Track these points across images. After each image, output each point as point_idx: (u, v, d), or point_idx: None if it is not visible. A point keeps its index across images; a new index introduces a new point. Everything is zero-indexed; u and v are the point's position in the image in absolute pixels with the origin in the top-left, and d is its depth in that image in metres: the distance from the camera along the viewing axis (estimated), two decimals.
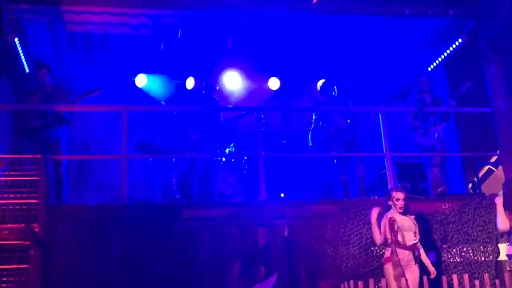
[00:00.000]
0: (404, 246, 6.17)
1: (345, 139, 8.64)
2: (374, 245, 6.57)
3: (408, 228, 6.27)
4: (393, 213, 6.33)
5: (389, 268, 6.14)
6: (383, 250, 6.37)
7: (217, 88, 8.90)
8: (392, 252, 6.15)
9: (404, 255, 6.15)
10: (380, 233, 6.26)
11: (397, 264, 6.06)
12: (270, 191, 8.65)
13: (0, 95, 8.41)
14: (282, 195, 9.16)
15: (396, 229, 6.19)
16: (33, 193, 6.04)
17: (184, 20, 8.79)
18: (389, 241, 6.21)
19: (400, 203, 6.33)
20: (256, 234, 6.80)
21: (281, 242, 6.82)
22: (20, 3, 8.08)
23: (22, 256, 5.73)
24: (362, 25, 9.14)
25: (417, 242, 6.30)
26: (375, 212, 6.30)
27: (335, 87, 9.01)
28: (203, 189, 8.31)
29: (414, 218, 6.39)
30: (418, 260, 6.22)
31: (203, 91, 8.83)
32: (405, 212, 6.35)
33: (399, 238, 6.18)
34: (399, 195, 6.37)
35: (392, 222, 6.22)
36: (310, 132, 8.92)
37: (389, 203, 6.40)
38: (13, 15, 8.03)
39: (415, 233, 6.30)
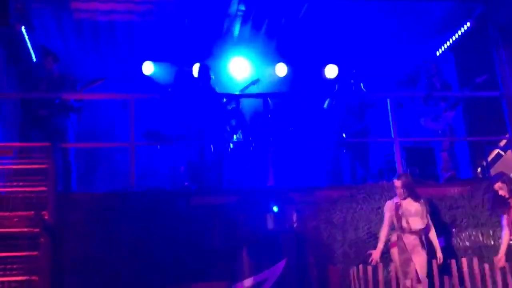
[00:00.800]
0: (409, 231, 6.17)
1: (355, 128, 8.65)
2: (389, 232, 6.55)
3: (414, 213, 6.25)
4: (399, 199, 6.34)
5: (395, 253, 6.18)
6: (391, 235, 6.36)
7: (212, 77, 8.76)
8: (398, 237, 6.18)
9: (410, 240, 6.15)
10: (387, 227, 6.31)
11: (403, 250, 6.10)
12: (278, 178, 8.66)
13: (7, 84, 8.41)
14: None
15: (400, 214, 6.21)
16: (42, 181, 6.06)
17: (190, 6, 8.75)
18: (395, 226, 6.23)
19: (399, 191, 6.33)
20: (265, 220, 6.80)
21: (290, 228, 6.83)
22: None
23: (32, 244, 5.75)
24: (368, 10, 9.10)
25: (425, 227, 6.26)
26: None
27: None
28: (212, 176, 8.31)
29: (423, 202, 6.35)
30: (425, 244, 6.20)
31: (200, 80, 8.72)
32: (412, 197, 6.32)
33: (403, 223, 6.19)
34: (397, 183, 6.38)
35: (397, 207, 6.25)
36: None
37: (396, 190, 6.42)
38: (19, 3, 8.02)
39: (422, 217, 6.27)
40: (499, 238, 6.61)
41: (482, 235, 6.92)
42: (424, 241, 6.23)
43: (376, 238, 6.62)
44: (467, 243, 6.91)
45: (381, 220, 6.54)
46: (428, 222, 6.32)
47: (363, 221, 6.91)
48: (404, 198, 6.31)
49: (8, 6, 7.53)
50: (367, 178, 8.56)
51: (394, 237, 6.25)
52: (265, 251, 6.70)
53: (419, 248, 6.16)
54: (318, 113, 9.35)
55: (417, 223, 6.23)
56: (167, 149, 9.51)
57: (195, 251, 6.53)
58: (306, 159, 9.97)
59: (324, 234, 6.82)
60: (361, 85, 8.90)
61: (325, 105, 9.03)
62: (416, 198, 6.35)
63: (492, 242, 6.83)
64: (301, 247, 6.75)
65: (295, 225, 6.85)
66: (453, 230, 6.98)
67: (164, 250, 6.45)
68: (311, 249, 6.77)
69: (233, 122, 8.96)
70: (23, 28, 8.56)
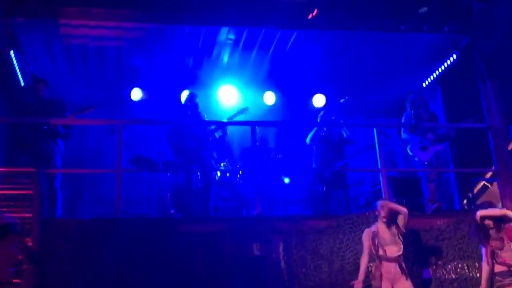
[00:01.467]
0: (388, 259, 6.17)
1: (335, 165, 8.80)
2: (370, 261, 6.55)
3: (389, 241, 6.25)
4: (378, 225, 6.35)
5: (377, 283, 6.15)
6: (370, 265, 6.36)
7: (198, 104, 8.76)
8: (376, 266, 6.20)
9: (390, 268, 6.15)
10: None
11: (380, 278, 6.09)
12: (265, 206, 8.65)
13: None
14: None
15: (376, 243, 6.22)
16: (27, 207, 6.02)
17: (180, 34, 8.81)
18: (374, 254, 6.25)
19: (382, 213, 6.33)
20: (251, 250, 6.77)
21: (276, 257, 6.80)
22: (17, 16, 8.08)
23: (15, 270, 5.68)
24: (356, 41, 9.18)
25: (401, 252, 6.25)
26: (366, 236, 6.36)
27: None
28: (198, 204, 8.28)
29: (396, 226, 6.33)
30: (406, 272, 6.18)
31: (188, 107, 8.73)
32: (390, 223, 6.32)
33: (380, 252, 6.20)
34: (382, 204, 6.41)
35: (373, 236, 6.28)
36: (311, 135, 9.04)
37: (376, 213, 6.45)
38: (8, 28, 8.03)
39: (397, 243, 6.25)
40: None
41: (468, 267, 6.92)
42: (405, 267, 6.20)
43: None
44: (453, 275, 6.91)
45: None
46: (401, 244, 6.29)
47: (349, 251, 6.91)
48: (387, 223, 6.30)
49: None
50: (350, 209, 8.62)
51: (374, 268, 6.25)
52: (251, 280, 6.66)
53: (400, 275, 6.14)
54: (302, 144, 9.43)
55: (393, 251, 6.22)
56: (154, 176, 9.50)
57: (180, 279, 6.49)
58: (292, 187, 9.99)
59: (311, 264, 6.80)
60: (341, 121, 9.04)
61: (307, 140, 9.12)
62: (390, 224, 6.34)
63: (478, 275, 6.81)
64: (287, 277, 6.71)
65: (281, 254, 6.82)
66: (439, 262, 6.98)
67: (148, 278, 6.40)
68: (298, 279, 6.74)
69: (219, 151, 8.96)
70: (11, 52, 8.56)
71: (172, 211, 8.52)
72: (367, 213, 7.26)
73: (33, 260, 5.97)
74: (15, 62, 8.89)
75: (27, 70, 9.04)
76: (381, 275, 6.10)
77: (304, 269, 6.77)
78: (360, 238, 6.82)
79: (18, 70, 9.16)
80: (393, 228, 6.31)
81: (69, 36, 8.65)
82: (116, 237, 6.54)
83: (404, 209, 6.34)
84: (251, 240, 6.81)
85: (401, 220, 6.33)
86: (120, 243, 6.48)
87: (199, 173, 8.31)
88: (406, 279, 6.14)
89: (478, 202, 8.83)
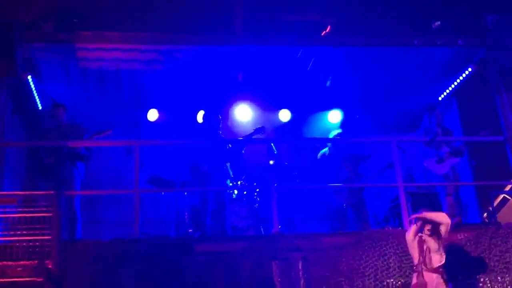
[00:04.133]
0: (431, 269, 6.10)
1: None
2: (390, 277, 6.51)
3: (434, 250, 6.20)
4: (423, 236, 6.29)
5: None
6: (399, 282, 6.30)
7: (221, 125, 8.84)
8: (418, 274, 6.11)
9: (432, 279, 6.07)
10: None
11: (423, 286, 6.00)
12: (283, 224, 8.63)
13: (13, 133, 8.48)
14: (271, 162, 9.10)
15: (425, 248, 6.18)
16: (46, 230, 6.05)
17: (195, 55, 8.88)
18: (416, 261, 6.18)
19: (428, 225, 6.27)
20: (270, 268, 6.74)
21: (296, 275, 6.76)
22: (34, 42, 8.22)
23: None
24: (371, 56, 9.19)
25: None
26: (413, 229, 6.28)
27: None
28: (216, 223, 8.28)
29: (438, 237, 6.28)
30: (448, 284, 6.13)
31: (207, 126, 8.79)
32: (434, 235, 6.27)
33: (427, 259, 6.14)
34: (421, 217, 6.32)
35: (422, 241, 6.21)
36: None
37: (416, 226, 6.33)
38: (26, 53, 8.15)
39: (441, 253, 6.22)
40: (508, 285, 6.53)
41: (490, 281, 6.83)
42: (447, 279, 6.15)
43: (383, 285, 6.57)
44: None
45: (387, 267, 6.51)
46: (444, 255, 6.24)
47: (369, 267, 6.84)
48: (431, 234, 6.25)
49: (16, 56, 7.66)
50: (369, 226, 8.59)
51: (414, 278, 6.17)
52: None
53: (442, 286, 6.08)
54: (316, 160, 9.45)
55: (436, 260, 6.17)
56: (171, 196, 9.52)
57: None
58: (310, 204, 9.98)
59: (331, 281, 6.75)
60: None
61: (318, 156, 9.14)
62: (434, 234, 6.29)
63: None
64: None
65: (300, 272, 6.78)
66: (460, 277, 6.90)
67: None
68: None
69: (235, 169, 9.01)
70: (29, 77, 8.68)
71: (190, 230, 8.53)
72: (386, 229, 7.21)
73: (53, 282, 5.99)
74: (33, 86, 9.00)
75: (46, 95, 9.14)
76: (425, 284, 6.01)
77: (324, 287, 6.72)
78: (380, 255, 6.80)
79: (36, 94, 9.28)
80: (436, 238, 6.26)
81: (86, 60, 8.76)
82: (136, 258, 6.56)
83: (445, 217, 6.32)
84: (270, 258, 6.78)
85: (443, 228, 6.29)
86: (139, 263, 6.50)
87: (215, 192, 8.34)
88: None
89: (498, 215, 8.73)
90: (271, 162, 8.88)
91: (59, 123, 8.12)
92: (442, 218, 6.36)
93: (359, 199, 8.84)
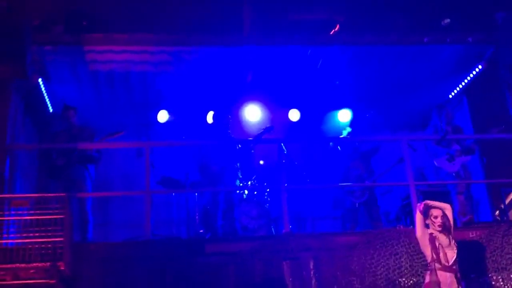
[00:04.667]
0: (445, 267, 5.95)
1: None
2: (401, 276, 6.47)
3: (446, 245, 6.08)
4: (432, 231, 6.16)
5: None
6: (410, 281, 6.27)
7: (230, 125, 8.86)
8: (431, 272, 5.91)
9: (446, 278, 5.93)
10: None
11: (436, 285, 5.83)
12: (294, 224, 8.63)
13: (24, 135, 8.53)
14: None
15: (437, 246, 6.03)
16: (58, 232, 6.07)
17: (205, 56, 8.89)
18: (429, 259, 6.03)
19: (438, 220, 6.15)
20: (281, 268, 6.74)
21: (307, 275, 6.76)
22: (44, 45, 8.26)
23: None
24: (380, 55, 9.16)
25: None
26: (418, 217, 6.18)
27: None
28: (226, 223, 8.29)
29: (448, 233, 6.18)
30: (461, 282, 6.01)
31: (217, 126, 8.81)
32: (444, 230, 6.16)
33: (441, 255, 5.99)
34: (437, 212, 6.19)
35: (433, 238, 6.05)
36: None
37: (427, 221, 6.21)
38: (36, 56, 8.20)
39: (454, 249, 6.10)
40: None
41: (503, 279, 6.80)
42: (460, 278, 6.04)
43: (394, 285, 6.55)
44: None
45: (399, 266, 6.48)
46: (456, 250, 6.13)
47: (380, 266, 6.83)
48: (442, 230, 6.13)
49: (26, 59, 7.70)
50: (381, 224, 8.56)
51: (427, 277, 6.00)
52: None
53: (456, 286, 5.96)
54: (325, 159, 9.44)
55: (450, 255, 6.05)
56: (182, 196, 9.54)
57: None
58: (320, 203, 9.97)
59: (342, 281, 6.73)
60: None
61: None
62: (445, 229, 6.17)
63: None
64: None
65: (312, 272, 6.78)
66: (472, 275, 6.86)
67: None
68: None
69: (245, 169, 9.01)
70: (40, 79, 8.73)
71: (201, 231, 8.54)
72: (397, 228, 7.19)
73: (66, 284, 6.02)
74: (43, 89, 9.05)
75: (56, 97, 9.19)
76: (438, 282, 5.82)
77: (335, 286, 6.70)
78: (392, 254, 6.77)
79: (46, 97, 9.32)
80: (447, 234, 6.15)
81: (95, 62, 8.79)
82: (147, 259, 6.59)
83: (445, 203, 6.26)
84: (281, 258, 6.78)
85: (448, 213, 6.22)
86: (151, 264, 6.53)
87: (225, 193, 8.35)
88: None
89: (510, 213, 8.68)
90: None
91: (69, 125, 8.20)
92: (443, 204, 6.28)
93: (371, 197, 8.80)
